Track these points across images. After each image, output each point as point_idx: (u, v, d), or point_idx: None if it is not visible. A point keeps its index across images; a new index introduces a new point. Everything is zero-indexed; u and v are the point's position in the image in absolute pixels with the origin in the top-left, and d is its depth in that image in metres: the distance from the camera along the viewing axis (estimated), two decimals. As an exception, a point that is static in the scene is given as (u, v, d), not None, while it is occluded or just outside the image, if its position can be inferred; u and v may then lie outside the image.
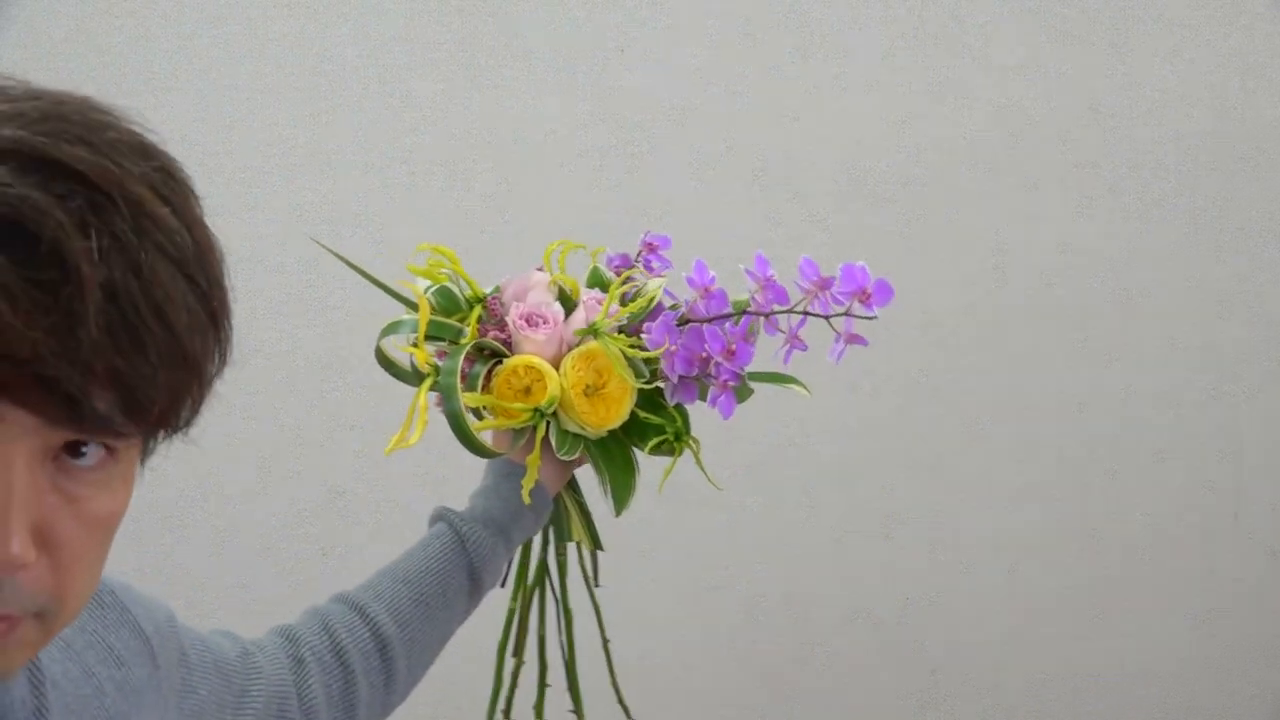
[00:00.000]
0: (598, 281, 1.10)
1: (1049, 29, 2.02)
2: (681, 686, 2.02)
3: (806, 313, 0.98)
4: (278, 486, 1.89)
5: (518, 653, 1.11)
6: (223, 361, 0.67)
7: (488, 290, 1.08)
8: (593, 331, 1.02)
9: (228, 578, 1.87)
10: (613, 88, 1.91)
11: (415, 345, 1.00)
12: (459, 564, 1.03)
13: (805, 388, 1.06)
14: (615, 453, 1.04)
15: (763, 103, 1.95)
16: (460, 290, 1.07)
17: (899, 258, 1.99)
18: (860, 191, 1.99)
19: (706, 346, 1.00)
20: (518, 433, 1.04)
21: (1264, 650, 2.18)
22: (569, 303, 1.06)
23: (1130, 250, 2.08)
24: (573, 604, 1.10)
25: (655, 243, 1.12)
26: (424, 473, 1.86)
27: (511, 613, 1.11)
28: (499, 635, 1.11)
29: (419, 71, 1.86)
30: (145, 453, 0.69)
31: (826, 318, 0.98)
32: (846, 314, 0.97)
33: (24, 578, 0.60)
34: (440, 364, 1.01)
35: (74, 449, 0.61)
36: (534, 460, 1.00)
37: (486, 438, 1.04)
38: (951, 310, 2.03)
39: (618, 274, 1.09)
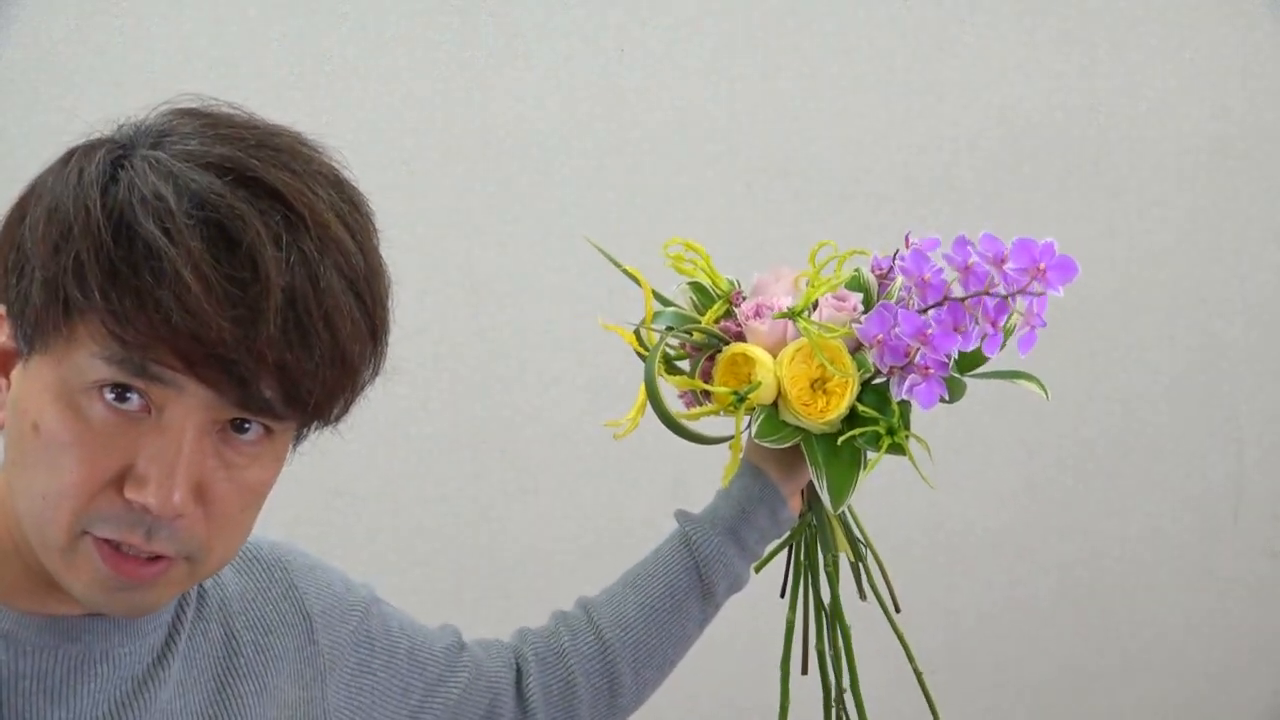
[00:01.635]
0: (856, 285, 1.04)
1: (1049, 29, 2.02)
2: (681, 688, 2.01)
3: (1005, 295, 0.93)
4: (278, 486, 1.89)
5: (805, 670, 1.09)
6: (376, 370, 0.76)
7: (736, 282, 1.06)
8: (791, 314, 0.98)
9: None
10: (613, 88, 1.91)
11: (641, 327, 0.99)
12: (685, 566, 1.03)
13: (1043, 387, 1.04)
14: (840, 448, 1.00)
15: (763, 103, 1.95)
16: (712, 286, 1.04)
17: (899, 258, 2.00)
18: (860, 191, 1.99)
19: (899, 330, 0.94)
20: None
21: (1264, 650, 2.18)
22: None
23: (1130, 250, 2.08)
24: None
25: (920, 242, 1.04)
26: (424, 472, 1.86)
27: (790, 625, 1.08)
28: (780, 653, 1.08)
29: (419, 71, 1.86)
30: (299, 438, 0.79)
31: (1029, 295, 0.91)
32: (1042, 294, 0.91)
33: (181, 525, 0.71)
34: (667, 345, 0.99)
35: (238, 425, 0.72)
36: (735, 446, 0.98)
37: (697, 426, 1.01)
38: (951, 310, 2.04)
39: (878, 277, 1.04)
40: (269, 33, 1.82)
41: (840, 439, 0.99)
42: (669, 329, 1.01)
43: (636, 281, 1.02)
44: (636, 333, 1.01)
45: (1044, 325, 0.94)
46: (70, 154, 0.75)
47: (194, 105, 0.83)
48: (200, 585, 0.87)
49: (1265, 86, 2.09)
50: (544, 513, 1.90)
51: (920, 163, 2.00)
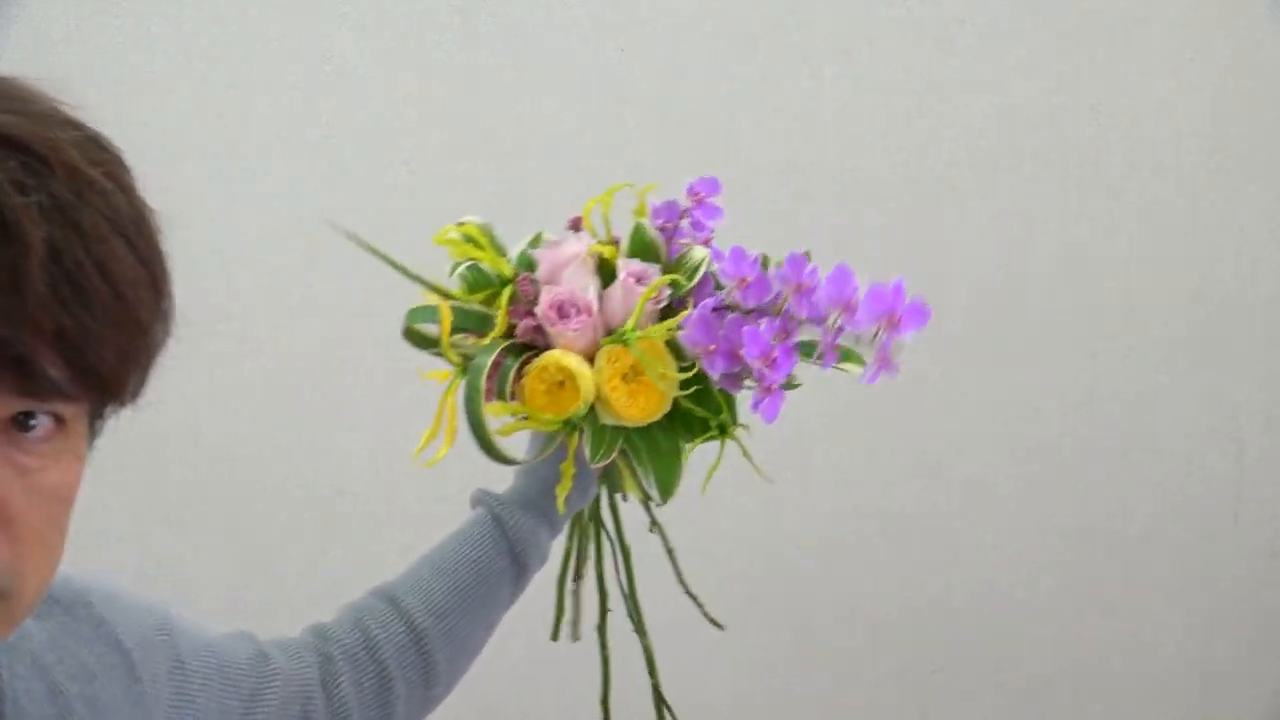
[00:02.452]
0: (641, 245, 0.99)
1: (1049, 29, 2.02)
2: (679, 688, 2.01)
3: (838, 328, 0.88)
4: (278, 486, 1.89)
5: (578, 577, 1.06)
6: (166, 330, 0.65)
7: (518, 252, 1.00)
8: (621, 339, 0.93)
9: (228, 578, 1.87)
10: (613, 88, 1.91)
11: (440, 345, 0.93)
12: (499, 550, 0.98)
13: (861, 362, 0.94)
14: (658, 439, 0.96)
15: (763, 103, 1.95)
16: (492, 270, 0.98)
17: (899, 257, 1.99)
18: (860, 191, 1.99)
19: (744, 351, 0.89)
20: (550, 436, 0.97)
21: (1264, 650, 2.18)
22: (609, 272, 0.97)
23: (1130, 250, 2.08)
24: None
25: (700, 190, 1.01)
26: (424, 472, 1.85)
27: (568, 551, 1.07)
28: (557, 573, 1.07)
29: (419, 71, 1.86)
30: (94, 431, 0.67)
31: (854, 339, 0.87)
32: (875, 338, 0.86)
33: None
34: (472, 359, 0.93)
35: (21, 421, 0.60)
36: (567, 468, 0.94)
37: (516, 440, 0.97)
38: (951, 310, 2.03)
39: (663, 232, 0.99)
40: (269, 33, 1.82)
41: (694, 443, 0.95)
42: (456, 333, 0.95)
43: (410, 276, 0.98)
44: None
45: (896, 370, 0.86)
46: None
47: None
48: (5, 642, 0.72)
49: (1265, 86, 2.09)
50: (544, 513, 1.90)
51: (920, 163, 2.00)
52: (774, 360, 0.88)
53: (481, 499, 1.01)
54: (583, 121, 1.90)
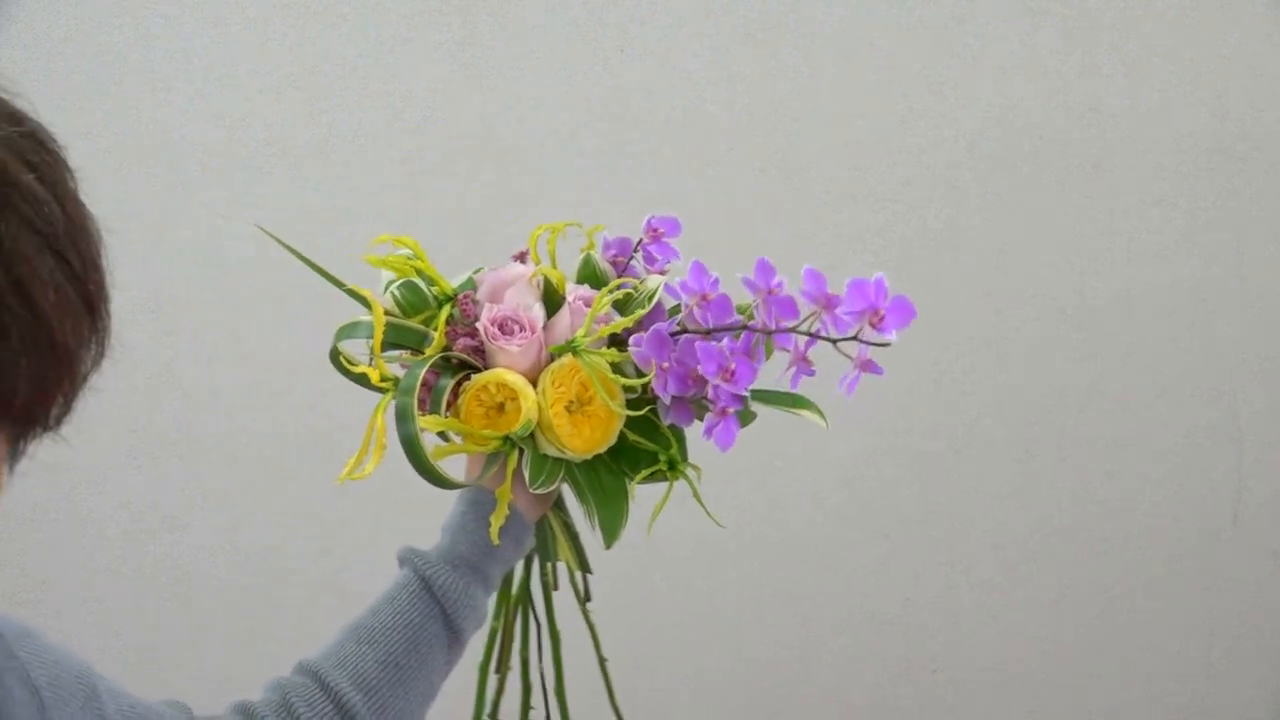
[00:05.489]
0: (590, 275, 0.94)
1: (1049, 29, 2.02)
2: (680, 687, 2.02)
3: (812, 334, 0.83)
4: (278, 486, 1.89)
5: (500, 669, 0.99)
6: (100, 354, 0.59)
7: (460, 282, 0.93)
8: (570, 349, 0.87)
9: (228, 578, 1.87)
10: (613, 88, 1.91)
11: (370, 355, 0.86)
12: (429, 614, 0.89)
13: (822, 416, 0.91)
14: (603, 478, 0.90)
15: (763, 103, 1.95)
16: (429, 287, 0.92)
17: (899, 257, 1.99)
18: (860, 191, 1.99)
19: (699, 366, 0.83)
20: (490, 457, 0.90)
21: (1264, 650, 2.18)
22: (555, 300, 0.91)
23: (1130, 250, 2.08)
24: (561, 624, 1.00)
25: (660, 228, 0.96)
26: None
27: (494, 632, 0.99)
28: (479, 659, 1.00)
29: (419, 71, 1.86)
30: (15, 454, 0.60)
31: (833, 341, 0.81)
32: (856, 338, 0.80)
33: None
34: (399, 377, 0.86)
35: None
36: (504, 494, 0.87)
37: (453, 464, 0.91)
38: (952, 310, 2.03)
39: (614, 264, 0.94)
40: (269, 33, 1.82)
41: (638, 478, 0.88)
42: (389, 349, 0.88)
43: (341, 287, 0.91)
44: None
45: (880, 373, 0.82)
46: None
47: None
48: None
49: (1265, 86, 2.09)
50: (544, 513, 1.90)
51: (920, 163, 2.00)
52: (731, 373, 0.83)
53: (407, 558, 0.92)
54: (583, 121, 1.90)
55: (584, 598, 1.00)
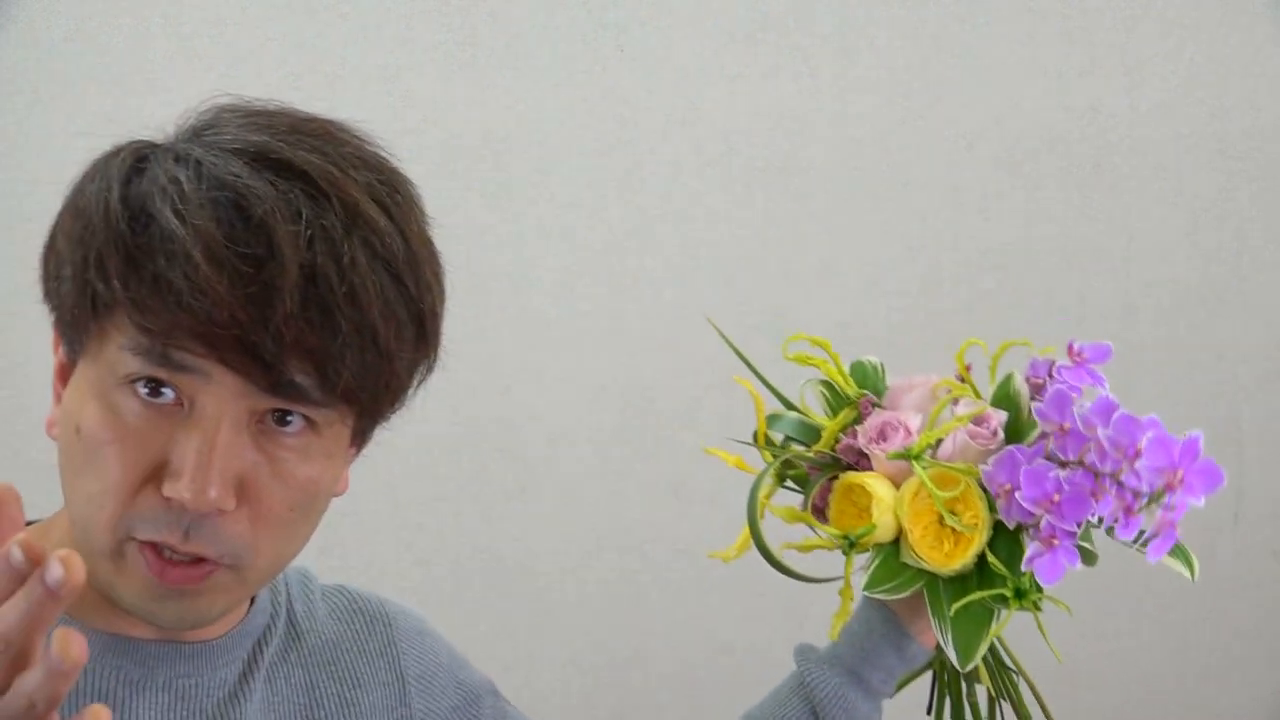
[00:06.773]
0: (1002, 398, 0.90)
1: (1049, 29, 2.02)
2: (680, 687, 2.01)
3: (1120, 483, 0.77)
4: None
5: None
6: (427, 359, 0.72)
7: (872, 387, 0.93)
8: (905, 455, 0.85)
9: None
10: (613, 88, 1.91)
11: (755, 437, 0.89)
12: (800, 712, 0.95)
13: (1192, 570, 0.87)
14: (965, 595, 0.87)
15: (763, 103, 1.95)
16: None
17: (899, 257, 1.99)
18: (860, 191, 1.99)
19: (1020, 493, 0.79)
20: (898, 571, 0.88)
21: (1264, 650, 2.18)
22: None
23: (1130, 250, 2.08)
24: None
25: (1086, 354, 0.91)
26: (424, 472, 1.86)
27: None
28: None
29: (419, 71, 1.86)
30: (359, 438, 0.75)
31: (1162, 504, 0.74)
32: (1164, 500, 0.75)
33: (221, 523, 0.68)
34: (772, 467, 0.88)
35: (280, 417, 0.69)
36: (845, 593, 0.88)
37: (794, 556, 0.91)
38: (952, 310, 2.03)
39: (1030, 386, 0.90)
40: (269, 33, 1.82)
41: (963, 600, 0.86)
42: (786, 442, 0.90)
43: (765, 382, 0.92)
44: (767, 441, 0.89)
45: (1175, 538, 0.77)
46: (104, 154, 0.74)
47: (235, 101, 0.80)
48: (293, 625, 0.83)
49: (1265, 86, 2.09)
50: (544, 513, 1.90)
51: (920, 163, 2.00)
52: (1056, 506, 0.79)
53: (797, 656, 0.97)
54: (583, 121, 1.90)
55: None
